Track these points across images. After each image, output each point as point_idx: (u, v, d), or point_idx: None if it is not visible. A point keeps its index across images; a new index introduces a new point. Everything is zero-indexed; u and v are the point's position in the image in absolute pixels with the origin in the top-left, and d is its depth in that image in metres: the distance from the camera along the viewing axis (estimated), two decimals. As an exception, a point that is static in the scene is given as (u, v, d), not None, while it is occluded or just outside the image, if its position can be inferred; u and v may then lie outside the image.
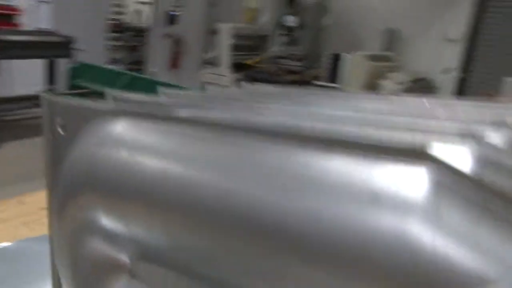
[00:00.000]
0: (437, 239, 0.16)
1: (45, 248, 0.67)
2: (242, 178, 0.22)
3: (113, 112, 0.29)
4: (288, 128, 0.21)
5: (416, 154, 0.17)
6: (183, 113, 0.27)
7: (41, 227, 0.78)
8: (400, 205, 0.17)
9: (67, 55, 3.05)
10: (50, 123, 0.33)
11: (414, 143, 0.18)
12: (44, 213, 0.94)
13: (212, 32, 3.85)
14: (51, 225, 0.35)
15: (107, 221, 0.28)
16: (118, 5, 4.94)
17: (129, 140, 0.28)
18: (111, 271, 0.29)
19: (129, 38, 4.95)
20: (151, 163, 0.27)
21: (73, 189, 0.30)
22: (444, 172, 0.17)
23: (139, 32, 4.92)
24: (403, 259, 0.17)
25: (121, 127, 0.29)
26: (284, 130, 0.21)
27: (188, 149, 0.26)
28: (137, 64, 4.70)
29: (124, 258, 0.29)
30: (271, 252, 0.20)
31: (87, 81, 2.78)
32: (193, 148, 0.25)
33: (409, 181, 0.17)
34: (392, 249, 0.17)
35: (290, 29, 3.58)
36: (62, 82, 2.80)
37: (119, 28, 4.85)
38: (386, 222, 0.17)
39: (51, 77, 3.10)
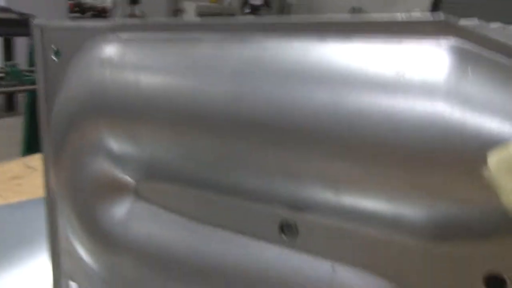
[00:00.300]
0: (464, 111, 0.17)
1: (22, 215, 0.66)
2: (258, 76, 0.22)
3: (111, 28, 0.28)
4: (301, 20, 0.21)
5: (439, 27, 0.18)
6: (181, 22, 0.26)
7: (14, 195, 0.75)
8: (427, 82, 0.17)
9: (24, 33, 2.91)
10: (43, 52, 0.32)
11: (436, 17, 0.18)
12: (15, 182, 0.90)
13: (177, 11, 3.77)
14: (45, 166, 0.33)
15: (112, 143, 0.28)
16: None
17: (130, 56, 0.27)
18: (117, 192, 0.29)
19: (91, 18, 4.79)
20: (156, 77, 0.26)
21: (75, 115, 0.29)
22: (469, 42, 0.17)
23: (101, 12, 4.76)
24: (432, 136, 0.17)
25: (120, 44, 0.28)
26: (299, 23, 0.21)
27: (192, 57, 0.25)
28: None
29: (129, 179, 0.28)
30: (297, 143, 0.21)
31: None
32: (198, 56, 0.25)
33: (434, 56, 0.18)
34: (420, 127, 0.17)
35: (255, 8, 3.55)
36: (22, 60, 2.68)
37: (80, 8, 4.68)
38: (413, 100, 0.17)
39: (8, 55, 2.97)
